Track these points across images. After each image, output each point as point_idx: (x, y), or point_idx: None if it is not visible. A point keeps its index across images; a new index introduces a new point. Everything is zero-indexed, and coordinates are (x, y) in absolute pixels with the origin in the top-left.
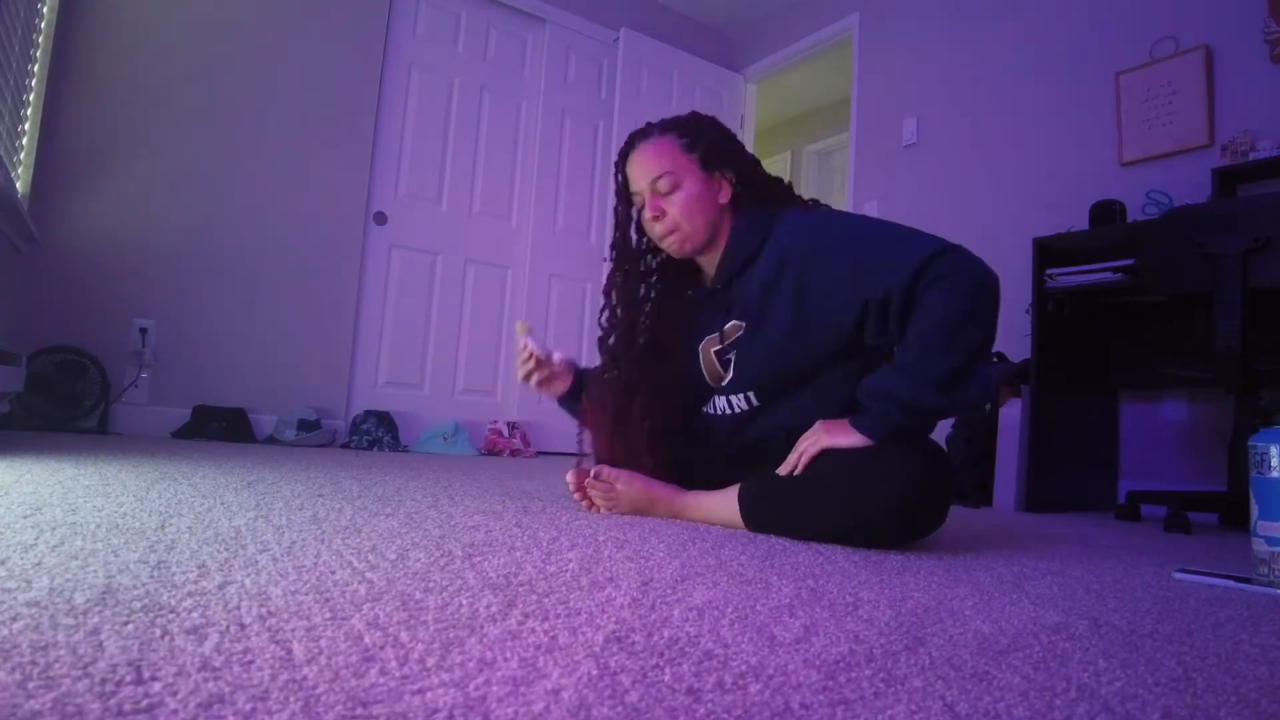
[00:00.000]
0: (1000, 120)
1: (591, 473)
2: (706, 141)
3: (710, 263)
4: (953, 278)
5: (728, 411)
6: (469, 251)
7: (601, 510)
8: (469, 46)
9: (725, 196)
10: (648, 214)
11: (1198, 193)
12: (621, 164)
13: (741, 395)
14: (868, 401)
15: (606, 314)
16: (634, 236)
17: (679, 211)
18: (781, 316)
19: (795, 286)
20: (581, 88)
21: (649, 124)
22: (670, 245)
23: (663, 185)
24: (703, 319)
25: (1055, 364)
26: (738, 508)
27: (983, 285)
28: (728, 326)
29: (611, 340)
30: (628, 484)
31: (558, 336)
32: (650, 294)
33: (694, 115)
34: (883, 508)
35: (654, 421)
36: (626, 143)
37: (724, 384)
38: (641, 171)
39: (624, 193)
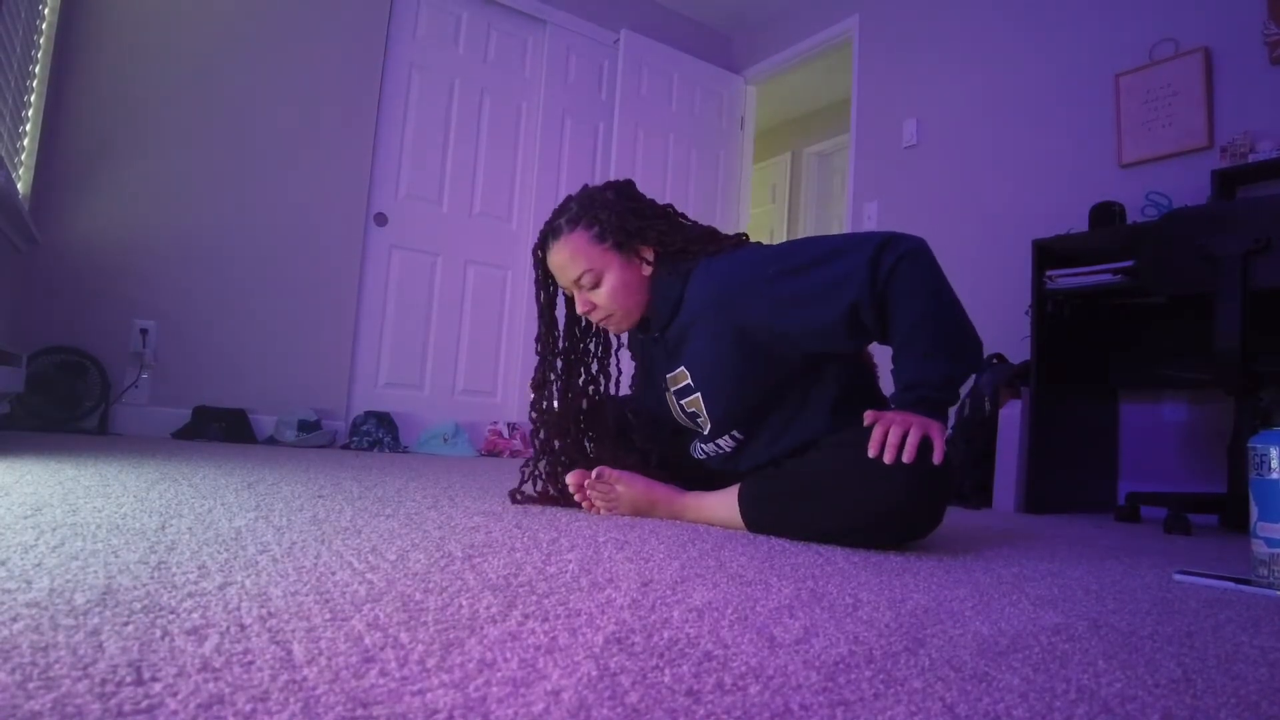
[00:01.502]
0: (1000, 122)
1: (593, 473)
2: (615, 225)
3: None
4: (905, 262)
5: (717, 453)
6: (469, 252)
7: (602, 511)
8: (469, 48)
9: (648, 269)
10: (580, 308)
11: (1197, 194)
12: (542, 257)
13: (726, 437)
14: (912, 393)
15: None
16: (558, 318)
17: (607, 301)
18: (728, 361)
19: (727, 332)
20: (582, 89)
21: (557, 221)
22: (610, 327)
23: (586, 281)
24: (656, 357)
25: (1055, 365)
26: (737, 508)
27: (923, 253)
28: (675, 373)
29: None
30: (628, 485)
31: None
32: (598, 350)
33: (591, 195)
34: (883, 507)
35: (649, 443)
36: (540, 240)
37: (705, 433)
38: (561, 271)
39: (544, 280)
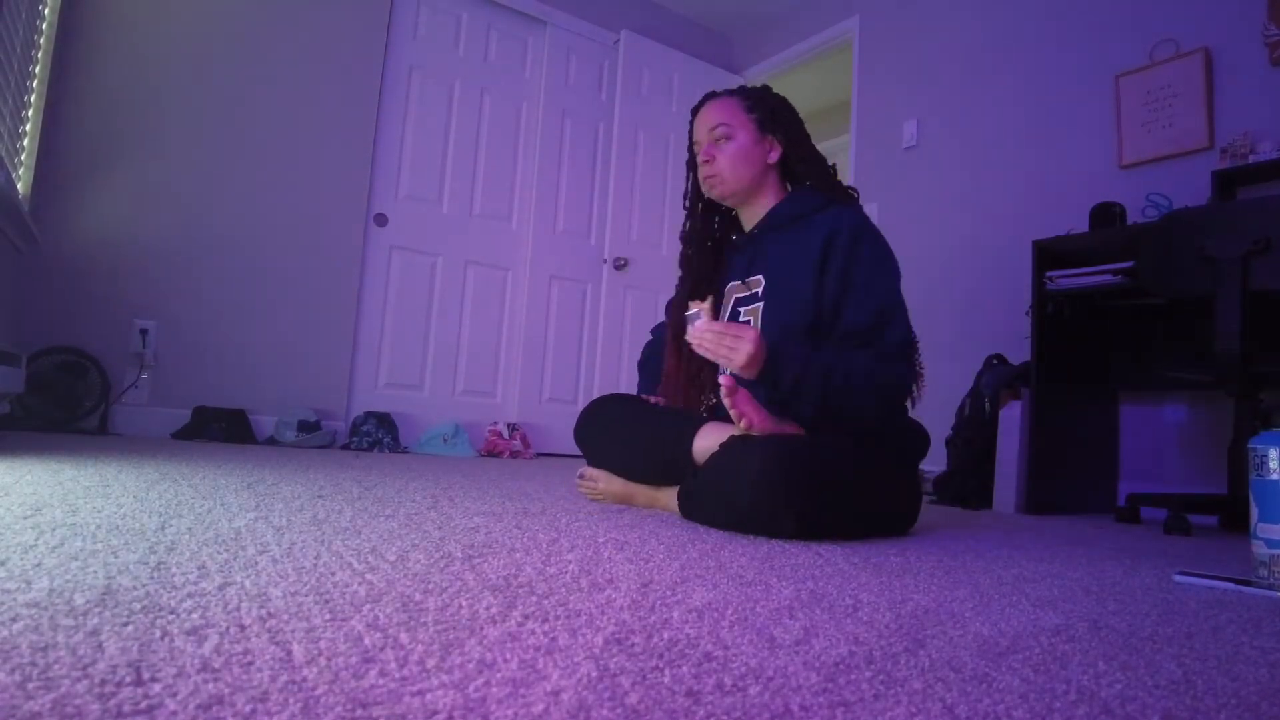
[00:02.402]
0: (1000, 123)
1: (579, 473)
2: (767, 108)
3: (751, 215)
4: (893, 372)
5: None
6: (469, 253)
7: (590, 498)
8: (469, 48)
9: (774, 157)
10: (700, 158)
11: (1197, 195)
12: (693, 118)
13: None
14: (784, 356)
15: (680, 254)
16: (698, 185)
17: (727, 160)
18: (804, 284)
19: (828, 262)
20: (582, 89)
21: (724, 89)
22: (713, 188)
23: (718, 133)
24: (735, 264)
25: (1055, 366)
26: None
27: (891, 398)
28: (751, 278)
29: (683, 275)
30: (608, 484)
31: (558, 338)
32: (704, 235)
33: (765, 88)
34: (743, 499)
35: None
36: (701, 100)
37: None
38: (704, 122)
39: (691, 144)
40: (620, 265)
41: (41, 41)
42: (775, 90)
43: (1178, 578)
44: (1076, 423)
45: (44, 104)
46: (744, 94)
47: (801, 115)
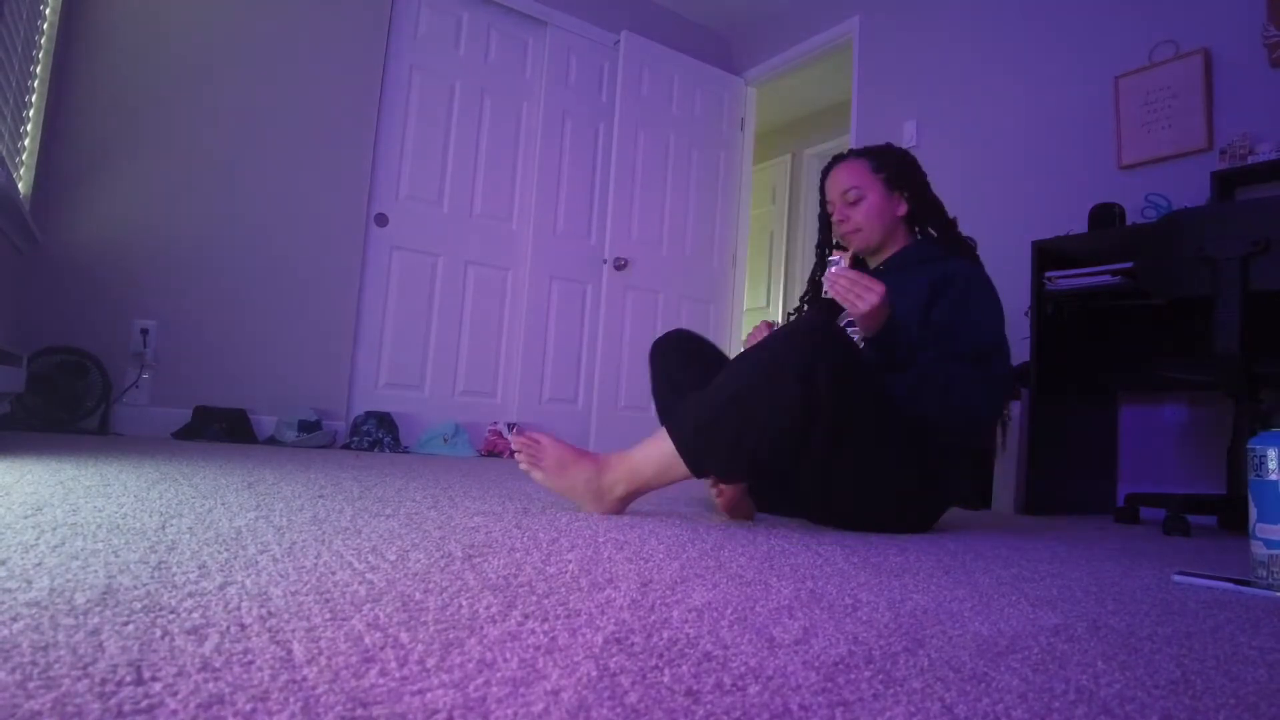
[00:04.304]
0: (1000, 123)
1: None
2: (892, 167)
3: (876, 261)
4: (979, 401)
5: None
6: (470, 253)
7: (524, 467)
8: (470, 49)
9: (902, 210)
10: (835, 218)
11: (1197, 196)
12: (823, 179)
13: None
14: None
15: (805, 294)
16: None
17: (862, 217)
18: (911, 320)
19: (936, 300)
20: (582, 90)
21: (850, 151)
22: (853, 243)
23: (850, 196)
24: None
25: (1054, 367)
26: (673, 446)
27: (965, 420)
28: None
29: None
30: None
31: (558, 338)
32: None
33: (888, 146)
34: (764, 352)
35: None
36: (830, 163)
37: None
38: (835, 185)
39: (823, 200)
40: (620, 265)
41: (42, 42)
42: (772, 92)
43: (1177, 578)
44: (1076, 423)
45: (45, 104)
46: (869, 155)
47: (801, 116)
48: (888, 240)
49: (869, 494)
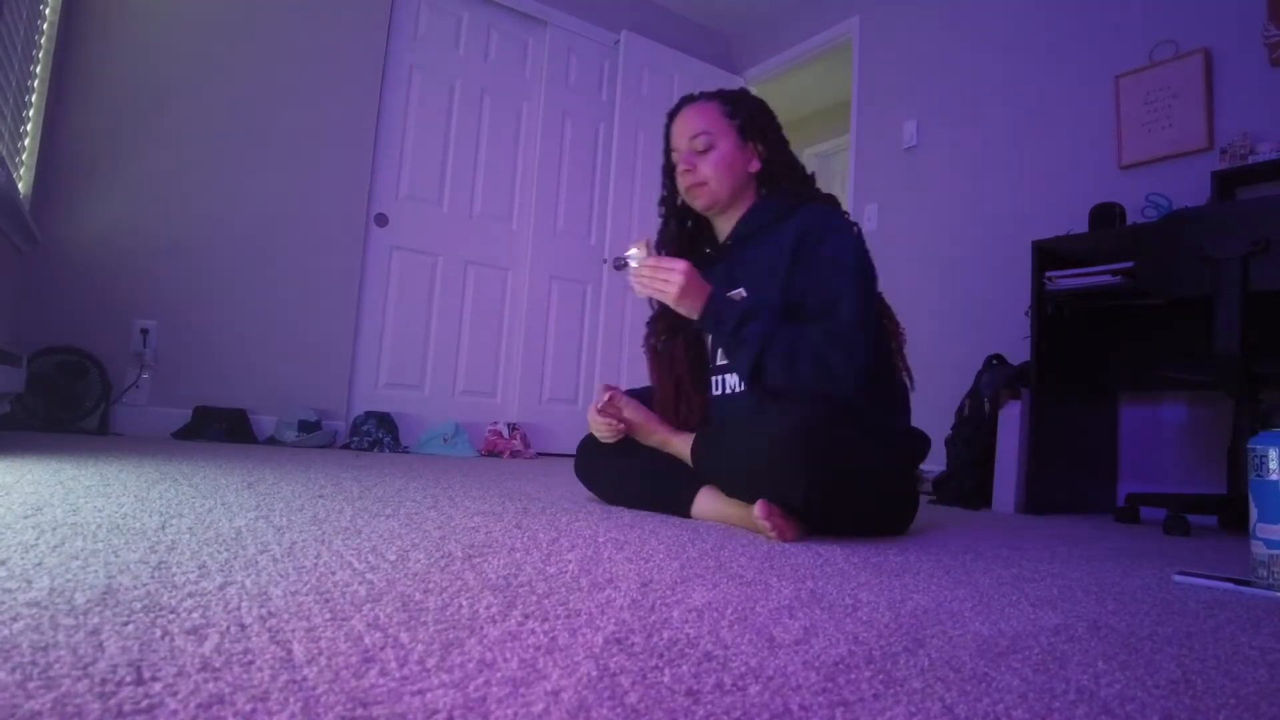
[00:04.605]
0: (1000, 123)
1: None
2: (747, 114)
3: (725, 223)
4: (838, 354)
5: (731, 393)
6: (470, 253)
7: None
8: (470, 48)
9: (755, 166)
10: (681, 168)
11: (1197, 196)
12: (669, 122)
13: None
14: (736, 310)
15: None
16: (674, 189)
17: (710, 169)
18: (776, 293)
19: (795, 266)
20: (582, 90)
21: (701, 93)
22: (696, 198)
23: (699, 144)
24: (713, 275)
25: (1054, 367)
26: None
27: (832, 377)
28: (733, 291)
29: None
30: (634, 411)
31: (558, 338)
32: (680, 239)
33: (743, 90)
34: (762, 458)
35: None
36: (677, 104)
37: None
38: (682, 128)
39: (667, 149)
40: (620, 265)
41: (42, 41)
42: (772, 92)
43: (1177, 578)
44: (1076, 423)
45: (45, 104)
46: (724, 98)
47: (802, 116)
48: (737, 199)
49: (873, 508)
